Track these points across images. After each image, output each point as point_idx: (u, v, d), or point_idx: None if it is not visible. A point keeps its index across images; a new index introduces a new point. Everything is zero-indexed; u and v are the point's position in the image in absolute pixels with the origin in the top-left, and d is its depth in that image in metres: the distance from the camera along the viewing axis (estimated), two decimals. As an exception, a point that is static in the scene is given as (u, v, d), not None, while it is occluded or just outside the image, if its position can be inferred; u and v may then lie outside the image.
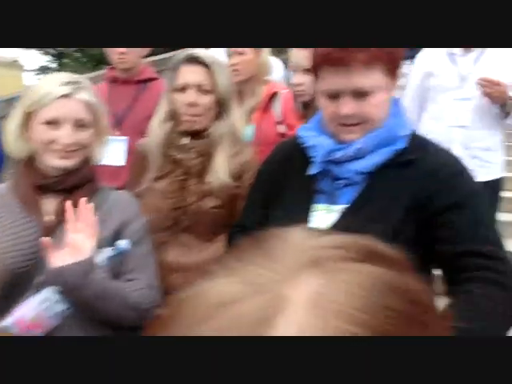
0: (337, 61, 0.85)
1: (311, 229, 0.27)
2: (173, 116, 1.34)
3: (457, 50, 1.95)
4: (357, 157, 0.90)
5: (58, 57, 10.27)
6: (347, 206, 0.91)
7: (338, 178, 0.93)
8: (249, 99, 1.81)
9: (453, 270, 0.87)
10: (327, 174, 0.94)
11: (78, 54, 9.74)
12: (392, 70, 0.87)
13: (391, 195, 0.89)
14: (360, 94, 0.86)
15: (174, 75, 1.31)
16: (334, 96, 0.88)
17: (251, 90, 1.80)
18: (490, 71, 1.86)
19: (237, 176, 1.33)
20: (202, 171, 1.32)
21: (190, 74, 1.28)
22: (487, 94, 1.78)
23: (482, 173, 1.92)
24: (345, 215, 0.91)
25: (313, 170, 0.94)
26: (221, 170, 1.30)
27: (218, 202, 1.32)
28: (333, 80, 0.87)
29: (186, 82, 1.28)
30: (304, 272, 0.22)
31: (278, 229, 0.26)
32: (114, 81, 2.05)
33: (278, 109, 1.78)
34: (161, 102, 1.37)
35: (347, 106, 0.87)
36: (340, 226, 0.88)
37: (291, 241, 0.25)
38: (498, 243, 0.88)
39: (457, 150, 1.92)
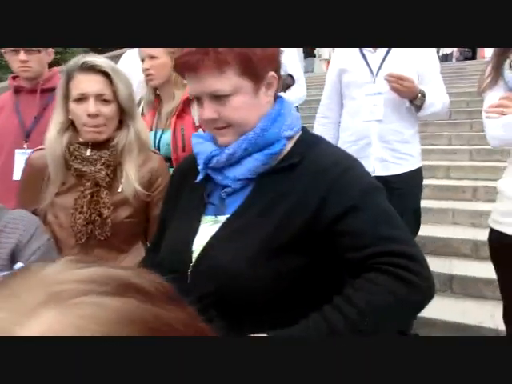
0: (188, 67, 0.84)
1: (74, 260, 0.27)
2: (71, 127, 1.27)
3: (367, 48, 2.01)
4: (232, 162, 0.88)
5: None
6: (229, 216, 0.88)
7: (222, 187, 0.90)
8: (167, 103, 1.77)
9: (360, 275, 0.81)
10: (213, 182, 0.92)
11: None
12: (249, 71, 0.84)
13: (271, 203, 0.85)
14: (217, 98, 0.84)
15: (67, 83, 1.23)
16: (198, 100, 0.87)
17: (170, 93, 1.76)
18: (398, 66, 1.93)
19: (147, 184, 1.31)
20: (111, 182, 1.28)
21: (88, 83, 1.22)
22: (395, 89, 1.85)
23: (401, 164, 2.01)
24: (224, 227, 0.87)
25: (198, 178, 0.92)
26: (131, 179, 1.27)
27: (131, 211, 1.30)
28: (191, 85, 0.87)
29: (84, 91, 1.22)
30: (41, 309, 0.22)
31: (34, 264, 0.27)
32: (20, 90, 1.91)
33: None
34: (54, 111, 1.29)
35: (207, 110, 0.85)
36: (217, 239, 0.86)
37: (39, 276, 0.25)
38: (403, 240, 0.83)
39: (375, 144, 2.00)
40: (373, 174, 1.98)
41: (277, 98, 0.93)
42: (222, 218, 0.89)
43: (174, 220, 0.95)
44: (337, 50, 2.23)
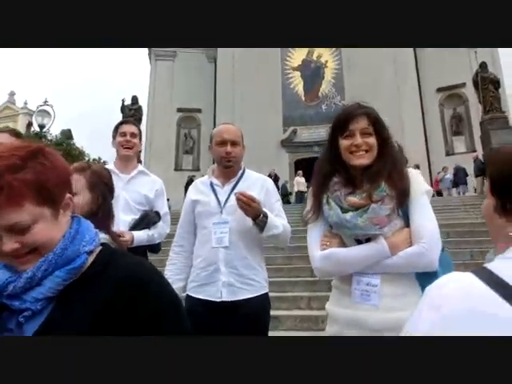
0: None
1: None
2: None
3: (216, 182, 2.23)
4: (31, 285, 0.84)
5: None
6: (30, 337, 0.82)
7: (20, 311, 0.84)
8: None
9: None
10: (9, 309, 0.85)
11: None
12: (47, 200, 0.85)
13: (73, 316, 0.83)
14: (18, 230, 0.82)
15: None
16: None
17: None
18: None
19: None
20: None
21: None
22: (241, 207, 2.00)
23: (248, 290, 2.09)
24: None
25: None
26: None
27: None
28: None
29: None
30: None
31: None
32: None
33: None
34: None
35: (8, 243, 0.82)
36: None
37: None
38: None
39: (222, 269, 2.08)
40: (220, 299, 2.03)
41: (72, 217, 0.95)
42: None
43: None
44: (192, 184, 2.42)
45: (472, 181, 16.04)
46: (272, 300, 2.26)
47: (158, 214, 2.61)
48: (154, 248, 2.66)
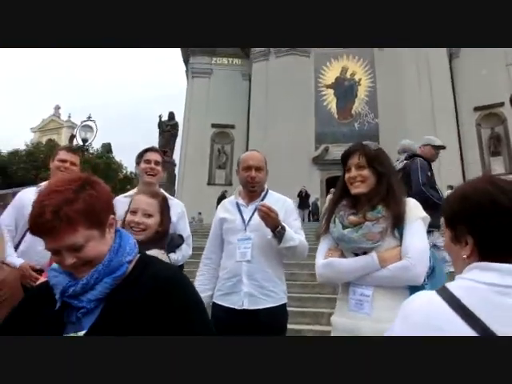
0: (44, 232, 1.02)
1: None
2: None
3: (242, 202, 2.50)
4: (86, 289, 1.08)
5: None
6: (86, 331, 1.07)
7: (78, 308, 1.09)
8: None
9: None
10: (70, 306, 1.10)
11: None
12: (95, 223, 1.06)
13: (119, 313, 1.06)
14: (74, 248, 1.05)
15: None
16: (56, 252, 1.07)
17: None
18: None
19: None
20: None
21: None
22: (262, 217, 2.23)
23: (267, 300, 2.32)
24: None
25: (57, 306, 1.09)
26: None
27: None
28: (48, 243, 1.05)
29: None
30: None
31: None
32: None
33: None
34: None
35: (68, 259, 1.05)
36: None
37: None
38: None
39: (245, 281, 2.33)
40: (242, 307, 2.28)
41: (116, 231, 1.18)
42: (81, 334, 1.08)
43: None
44: (221, 203, 2.70)
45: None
46: (295, 314, 2.44)
47: (181, 236, 2.74)
48: None
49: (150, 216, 1.92)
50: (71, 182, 1.06)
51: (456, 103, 23.21)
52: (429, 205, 2.75)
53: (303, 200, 18.56)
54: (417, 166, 4.10)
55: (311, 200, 18.85)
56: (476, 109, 22.86)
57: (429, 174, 4.13)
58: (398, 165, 4.33)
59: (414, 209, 1.71)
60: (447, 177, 15.64)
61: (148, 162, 2.85)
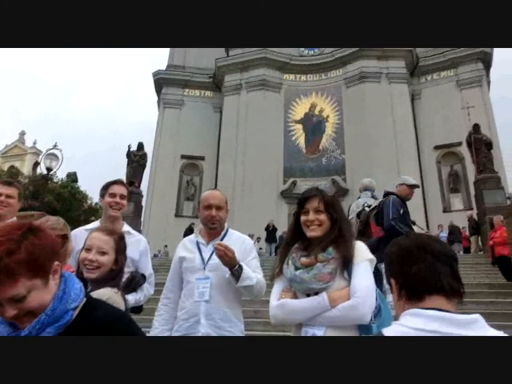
0: None
1: None
2: None
3: (202, 240, 2.51)
4: None
5: None
6: None
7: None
8: None
9: None
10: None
11: None
12: (37, 273, 1.04)
13: None
14: (16, 300, 1.02)
15: None
16: None
17: None
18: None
19: None
20: None
21: None
22: (220, 256, 2.25)
23: None
24: None
25: None
26: None
27: None
28: None
29: None
30: None
31: None
32: None
33: None
34: None
35: (9, 311, 1.03)
36: None
37: None
38: None
39: (202, 321, 2.31)
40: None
41: (61, 276, 1.15)
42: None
43: None
44: (180, 242, 2.68)
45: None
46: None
47: (144, 276, 2.67)
48: (137, 309, 2.66)
49: (104, 254, 1.89)
50: (13, 231, 1.04)
51: (418, 141, 24.25)
52: None
53: (270, 234, 18.58)
54: (389, 203, 4.34)
55: (278, 234, 18.90)
56: (436, 147, 23.97)
57: (401, 210, 4.34)
58: (375, 203, 4.63)
59: (361, 251, 1.78)
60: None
61: (113, 195, 2.75)
